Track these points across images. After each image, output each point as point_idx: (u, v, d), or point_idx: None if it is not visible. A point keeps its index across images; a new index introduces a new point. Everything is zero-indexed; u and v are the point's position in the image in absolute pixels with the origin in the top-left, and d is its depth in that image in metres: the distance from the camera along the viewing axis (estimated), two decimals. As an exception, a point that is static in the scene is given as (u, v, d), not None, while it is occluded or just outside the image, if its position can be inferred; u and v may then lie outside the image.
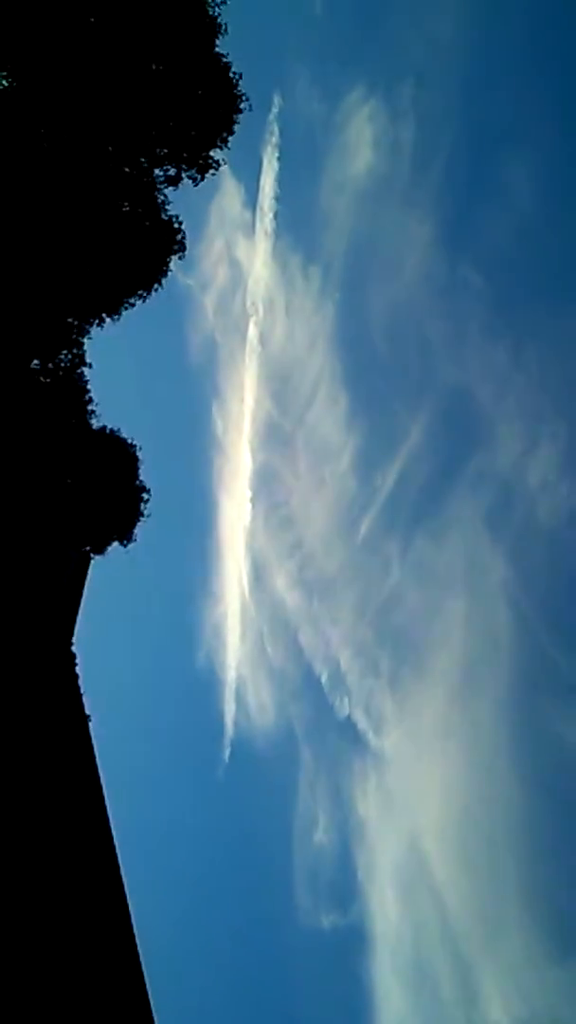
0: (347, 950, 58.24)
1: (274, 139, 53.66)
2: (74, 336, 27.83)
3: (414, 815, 62.68)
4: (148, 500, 29.93)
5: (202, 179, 27.33)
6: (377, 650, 64.98)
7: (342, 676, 64.12)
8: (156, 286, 27.82)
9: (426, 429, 64.23)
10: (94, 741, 20.65)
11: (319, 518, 67.94)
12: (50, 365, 27.60)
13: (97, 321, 28.13)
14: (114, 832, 19.53)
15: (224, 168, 27.40)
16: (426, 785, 61.91)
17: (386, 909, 60.01)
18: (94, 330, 28.29)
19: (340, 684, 63.63)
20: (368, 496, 65.11)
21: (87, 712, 21.00)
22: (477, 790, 61.13)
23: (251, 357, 59.98)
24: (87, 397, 28.66)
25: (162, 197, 27.34)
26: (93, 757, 20.53)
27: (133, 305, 28.16)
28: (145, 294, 28.04)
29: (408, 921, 60.44)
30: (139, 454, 29.56)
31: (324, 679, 65.01)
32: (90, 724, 20.92)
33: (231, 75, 26.07)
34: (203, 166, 27.26)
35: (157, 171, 27.14)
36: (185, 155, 26.35)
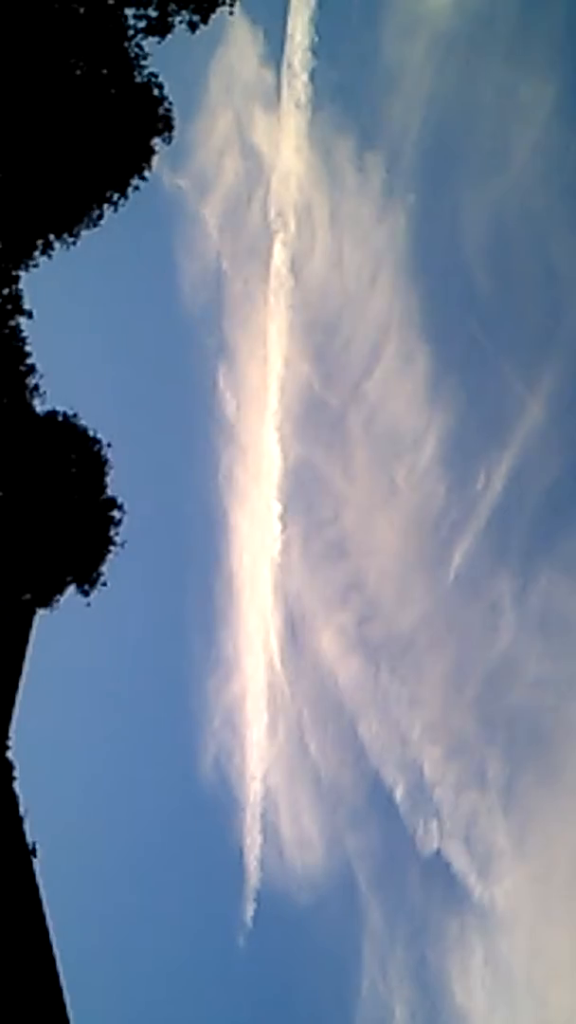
0: None
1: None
2: (2, 269, 23.52)
3: (545, 1006, 48.08)
4: (121, 522, 25.47)
5: (204, 22, 22.48)
6: (483, 747, 50.46)
7: (427, 789, 49.21)
8: (129, 189, 23.55)
9: (553, 403, 49.45)
10: (41, 888, 18.94)
11: (387, 544, 53.53)
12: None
13: (41, 245, 23.68)
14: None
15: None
16: (564, 957, 47.19)
17: None
18: (37, 259, 23.79)
19: (425, 801, 49.79)
20: (464, 508, 50.46)
21: (30, 843, 19.45)
22: None
23: (278, 296, 47.06)
24: (27, 364, 24.27)
25: (136, 51, 22.56)
26: (41, 911, 18.69)
27: (96, 219, 23.69)
28: (114, 201, 23.54)
29: None
30: (107, 453, 25.37)
31: (400, 794, 49.93)
32: (35, 861, 19.37)
33: None
34: (204, 3, 22.17)
35: (130, 10, 22.03)
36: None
